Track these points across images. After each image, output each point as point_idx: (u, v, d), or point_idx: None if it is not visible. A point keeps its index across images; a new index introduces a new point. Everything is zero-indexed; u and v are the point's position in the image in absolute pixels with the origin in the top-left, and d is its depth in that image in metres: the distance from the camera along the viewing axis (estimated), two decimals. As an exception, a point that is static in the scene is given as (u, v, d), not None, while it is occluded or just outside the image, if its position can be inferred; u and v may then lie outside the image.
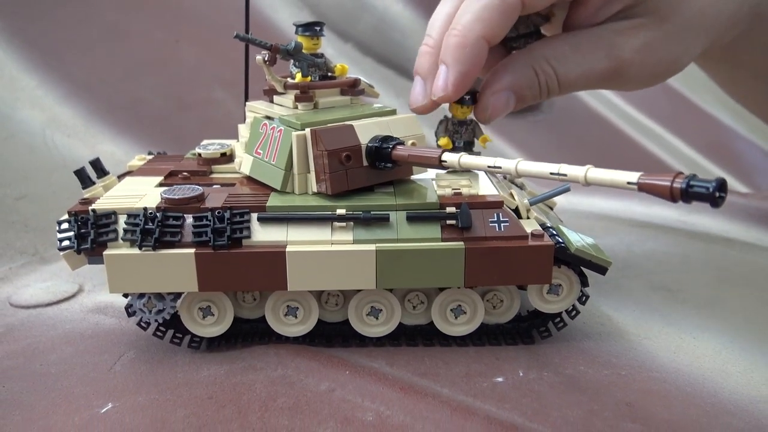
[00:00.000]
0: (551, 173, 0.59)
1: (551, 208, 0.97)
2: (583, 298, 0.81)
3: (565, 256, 0.77)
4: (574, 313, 0.82)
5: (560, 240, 0.77)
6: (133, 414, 0.68)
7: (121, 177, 0.90)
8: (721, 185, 0.48)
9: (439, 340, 0.82)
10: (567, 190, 0.82)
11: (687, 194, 0.49)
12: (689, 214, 1.25)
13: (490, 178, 0.86)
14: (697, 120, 3.12)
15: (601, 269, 0.78)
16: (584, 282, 0.80)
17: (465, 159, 0.68)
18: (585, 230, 1.19)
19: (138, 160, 0.95)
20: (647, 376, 0.76)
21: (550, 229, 0.79)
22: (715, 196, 0.48)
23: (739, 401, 0.72)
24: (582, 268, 0.79)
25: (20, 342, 0.84)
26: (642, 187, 0.53)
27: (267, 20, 2.23)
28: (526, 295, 0.81)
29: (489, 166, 0.65)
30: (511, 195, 0.83)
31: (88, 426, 0.66)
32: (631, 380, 0.75)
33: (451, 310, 0.80)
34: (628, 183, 0.53)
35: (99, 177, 0.85)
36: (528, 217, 0.81)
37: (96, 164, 0.85)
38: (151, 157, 0.97)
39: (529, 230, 0.76)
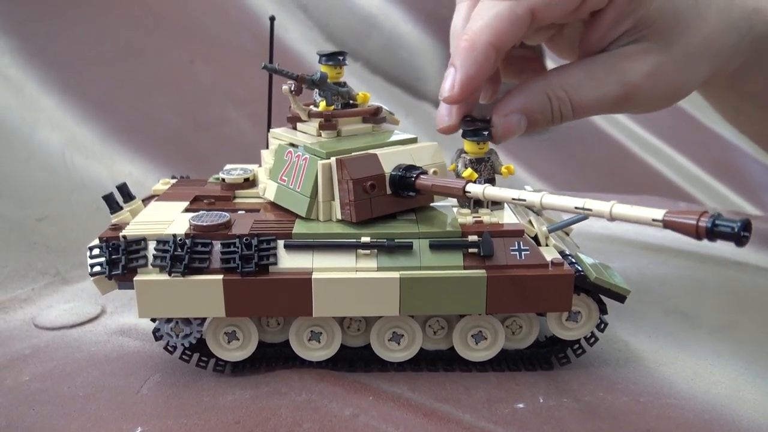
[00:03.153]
0: (576, 207, 0.61)
1: (568, 234, 0.98)
2: (601, 326, 0.82)
3: (584, 284, 0.78)
4: (592, 340, 0.83)
5: (579, 268, 0.78)
6: (163, 438, 0.69)
7: (145, 201, 0.91)
8: (746, 225, 0.50)
9: (459, 366, 0.83)
10: (585, 218, 0.83)
11: (712, 233, 0.51)
12: (700, 237, 1.27)
13: (509, 206, 0.88)
14: (703, 138, 3.14)
15: (620, 297, 0.79)
16: (603, 310, 0.81)
17: (489, 191, 0.69)
18: (599, 254, 1.21)
19: (162, 184, 0.97)
20: (665, 403, 0.77)
21: (569, 257, 0.81)
22: (740, 235, 0.50)
23: (756, 430, 0.73)
24: (601, 296, 0.80)
25: (47, 364, 0.85)
26: (667, 225, 0.54)
27: (278, 40, 2.27)
28: (545, 320, 0.83)
29: (513, 199, 0.67)
30: (530, 222, 0.84)
31: (120, 450, 0.67)
32: (649, 407, 0.76)
33: (472, 335, 0.81)
34: (654, 220, 0.55)
35: (125, 201, 0.87)
36: (547, 245, 0.83)
37: (123, 189, 0.87)
38: (174, 180, 0.99)
39: (549, 258, 0.78)
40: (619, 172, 2.81)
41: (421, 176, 0.78)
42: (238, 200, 0.91)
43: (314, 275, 0.75)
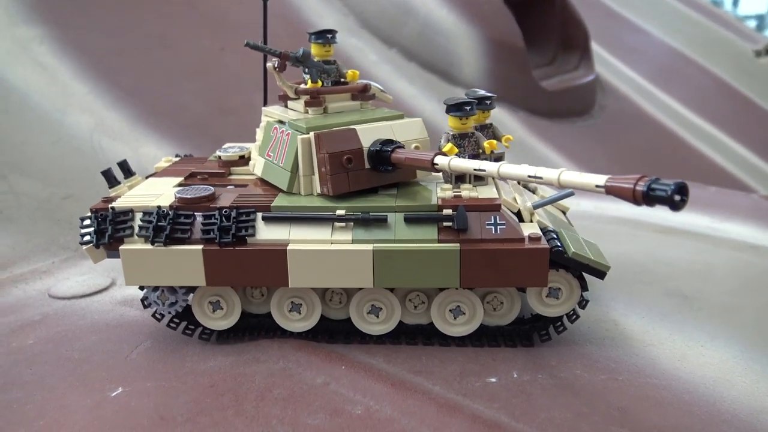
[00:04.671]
0: (529, 176, 0.60)
1: (564, 213, 0.96)
2: (582, 303, 0.81)
3: (562, 260, 0.77)
4: (574, 317, 0.82)
5: (559, 244, 0.77)
6: (140, 398, 0.72)
7: (149, 178, 0.95)
8: (680, 188, 0.48)
9: (438, 340, 0.83)
10: (571, 194, 0.82)
11: (648, 197, 0.50)
12: (721, 222, 1.22)
13: (496, 182, 0.87)
14: (758, 121, 2.99)
15: (600, 273, 0.78)
16: (584, 286, 0.80)
17: (454, 162, 0.70)
18: (608, 236, 1.19)
19: (164, 162, 1.01)
20: (645, 382, 0.75)
21: (551, 233, 0.80)
22: (673, 199, 0.48)
23: (738, 411, 0.71)
24: (583, 273, 0.79)
25: (52, 329, 0.90)
26: (609, 191, 0.53)
27: (314, 27, 2.30)
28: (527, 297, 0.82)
29: (475, 169, 0.67)
30: (514, 199, 0.84)
31: (98, 408, 0.71)
32: (627, 385, 0.75)
33: (450, 310, 0.82)
34: (597, 186, 0.54)
35: (126, 177, 0.91)
36: (531, 221, 0.82)
37: (123, 165, 0.91)
38: (177, 159, 1.03)
39: (527, 233, 0.77)
40: (668, 161, 2.71)
41: (397, 150, 0.78)
42: (233, 177, 0.94)
43: (290, 246, 0.77)
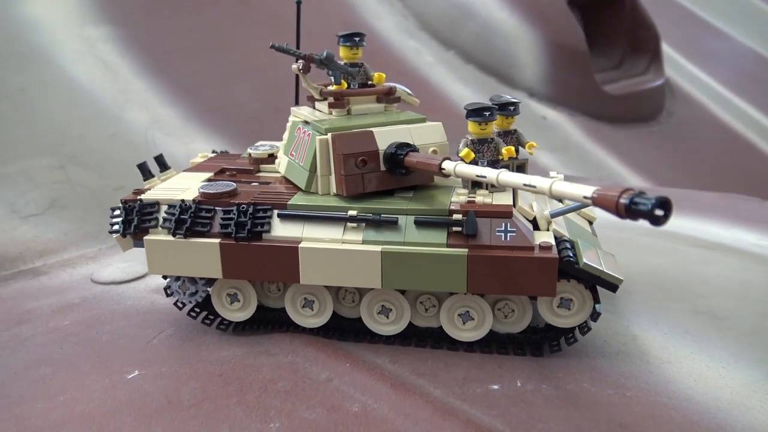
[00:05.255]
0: (525, 184, 0.60)
1: (591, 223, 0.94)
2: (595, 315, 0.79)
3: (573, 271, 0.76)
4: (586, 329, 0.80)
5: (571, 254, 0.76)
6: (153, 382, 0.76)
7: (183, 173, 1.00)
8: (662, 203, 0.47)
9: (447, 345, 0.84)
10: (586, 205, 0.80)
11: (630, 210, 0.49)
12: (769, 239, 1.16)
13: (515, 190, 0.86)
14: None
15: (612, 286, 0.76)
16: (596, 299, 0.78)
17: (460, 167, 0.70)
18: (645, 249, 1.15)
19: (200, 158, 1.05)
20: (653, 401, 0.73)
21: (566, 243, 0.78)
22: (653, 213, 0.47)
23: (749, 437, 0.68)
24: (597, 285, 0.77)
25: (88, 312, 0.96)
26: (596, 202, 0.52)
27: (371, 29, 2.32)
28: (540, 307, 0.81)
29: (477, 175, 0.67)
30: (531, 207, 0.83)
31: (113, 388, 0.76)
32: (634, 402, 0.73)
33: (458, 315, 0.82)
34: (584, 197, 0.53)
35: (162, 171, 0.96)
36: (548, 229, 0.81)
37: (159, 159, 0.96)
38: (213, 155, 1.07)
39: (538, 242, 0.76)
40: (743, 172, 2.58)
41: (410, 153, 0.79)
42: (261, 174, 0.97)
43: (302, 244, 0.79)
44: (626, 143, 2.45)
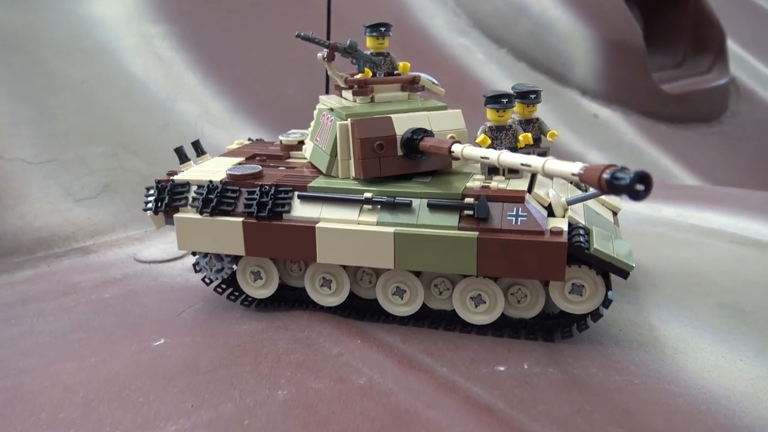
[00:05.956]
0: (522, 164, 0.61)
1: (615, 213, 0.94)
2: (606, 302, 0.78)
3: (584, 256, 0.76)
4: (597, 316, 0.80)
5: (581, 240, 0.76)
6: (175, 349, 0.81)
7: (217, 157, 1.05)
8: (641, 178, 0.47)
9: (460, 327, 0.85)
10: (600, 194, 0.80)
11: (612, 185, 0.49)
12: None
13: (533, 176, 0.87)
14: None
15: (623, 273, 0.76)
16: (608, 285, 0.78)
17: (467, 150, 0.71)
18: (680, 244, 1.13)
19: (236, 145, 1.10)
20: (662, 389, 0.72)
21: (580, 229, 0.78)
22: (634, 188, 0.47)
23: (758, 428, 0.66)
24: (608, 272, 0.77)
25: (126, 287, 1.03)
26: (582, 178, 0.53)
27: (423, 27, 2.34)
28: (553, 293, 0.81)
29: (481, 157, 0.68)
30: (547, 193, 0.83)
31: (139, 353, 0.81)
32: (641, 389, 0.72)
33: (471, 298, 0.83)
34: (573, 174, 0.54)
35: (198, 156, 1.01)
36: (564, 216, 0.81)
37: (196, 144, 1.01)
38: (248, 142, 1.12)
39: (549, 227, 0.77)
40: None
41: (425, 138, 0.81)
42: (290, 160, 1.01)
43: (319, 224, 0.82)
44: (683, 143, 2.38)
